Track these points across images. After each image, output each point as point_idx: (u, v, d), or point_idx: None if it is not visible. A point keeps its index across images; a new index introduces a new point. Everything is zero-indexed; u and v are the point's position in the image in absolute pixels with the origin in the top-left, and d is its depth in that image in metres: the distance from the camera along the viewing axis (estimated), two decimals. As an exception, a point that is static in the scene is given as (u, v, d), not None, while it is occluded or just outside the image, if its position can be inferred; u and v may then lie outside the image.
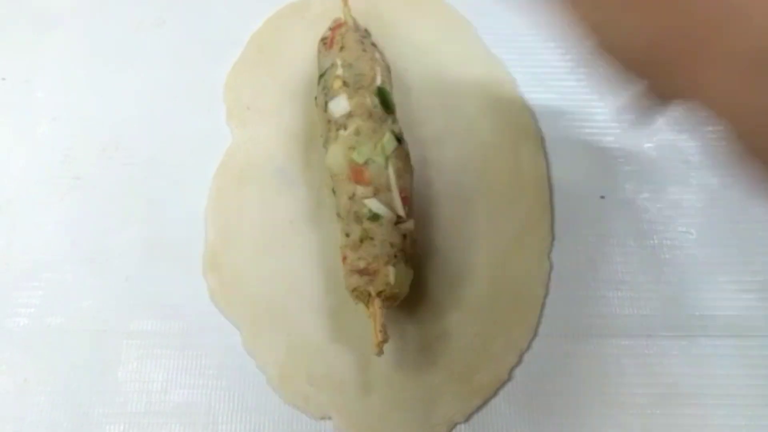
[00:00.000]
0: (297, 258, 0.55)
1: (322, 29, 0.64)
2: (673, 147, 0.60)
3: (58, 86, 0.63)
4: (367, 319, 0.49)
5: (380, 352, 0.47)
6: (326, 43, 0.58)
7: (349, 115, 0.53)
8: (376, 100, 0.53)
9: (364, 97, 0.53)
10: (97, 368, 0.52)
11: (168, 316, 0.54)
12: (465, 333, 0.53)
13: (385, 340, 0.47)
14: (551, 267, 0.56)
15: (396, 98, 0.55)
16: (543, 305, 0.54)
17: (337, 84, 0.54)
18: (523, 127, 0.61)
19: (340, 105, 0.53)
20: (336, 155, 0.52)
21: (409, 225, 0.50)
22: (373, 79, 0.54)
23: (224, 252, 0.56)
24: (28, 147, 0.61)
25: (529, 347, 0.53)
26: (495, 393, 0.52)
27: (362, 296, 0.49)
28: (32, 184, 0.59)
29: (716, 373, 0.52)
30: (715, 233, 0.57)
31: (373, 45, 0.58)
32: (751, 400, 0.52)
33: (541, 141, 0.60)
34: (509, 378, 0.52)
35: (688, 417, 0.51)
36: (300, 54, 0.64)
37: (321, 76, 0.56)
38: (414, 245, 0.51)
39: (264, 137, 0.60)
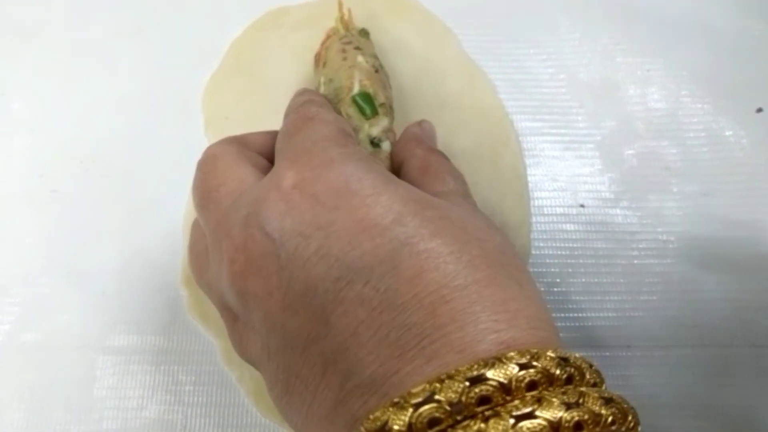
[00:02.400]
0: (274, 271, 0.55)
1: (301, 37, 0.64)
2: (654, 154, 0.60)
3: (35, 98, 0.63)
4: None
5: None
6: (316, 59, 0.58)
7: None
8: (352, 110, 0.53)
9: (340, 112, 0.53)
10: (74, 385, 0.52)
11: (145, 331, 0.54)
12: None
13: None
14: (530, 278, 0.55)
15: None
16: (522, 316, 0.54)
17: None
18: (503, 135, 0.60)
19: None
20: None
21: None
22: (350, 88, 0.54)
23: (201, 265, 0.55)
24: (3, 160, 0.60)
25: (508, 359, 0.53)
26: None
27: None
28: (8, 198, 0.59)
29: (697, 383, 0.52)
30: (697, 242, 0.57)
31: (358, 49, 0.57)
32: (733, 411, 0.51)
33: (520, 150, 0.60)
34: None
35: (670, 428, 0.51)
36: (279, 62, 0.63)
37: None
38: None
39: (242, 148, 0.60)
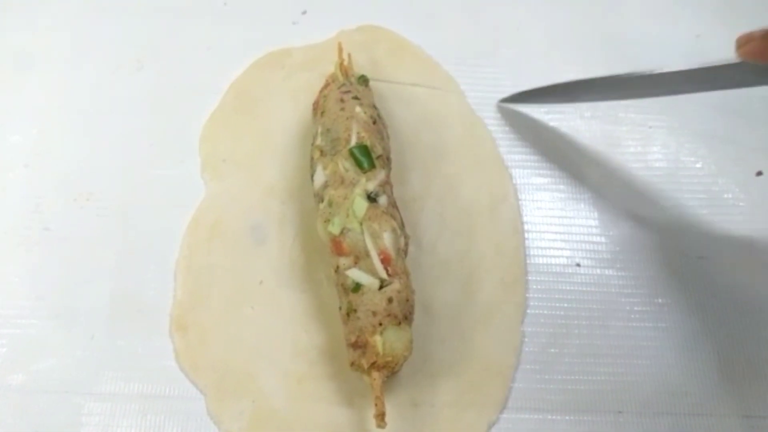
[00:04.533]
0: (265, 321, 0.55)
1: (302, 79, 0.64)
2: (652, 215, 0.60)
3: (32, 131, 0.62)
4: (339, 387, 0.50)
5: (380, 425, 0.46)
6: (314, 107, 0.58)
7: (325, 186, 0.52)
8: (349, 163, 0.53)
9: (337, 164, 0.52)
10: (58, 431, 0.51)
11: (132, 378, 0.53)
12: (436, 402, 0.52)
13: (380, 413, 0.46)
14: (523, 337, 0.55)
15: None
16: (513, 377, 0.53)
17: (316, 154, 0.54)
18: (501, 189, 0.60)
19: (318, 177, 0.53)
20: (319, 229, 0.52)
21: (395, 286, 0.49)
22: (348, 140, 0.54)
23: (191, 312, 0.55)
24: (-2, 195, 0.60)
25: (497, 420, 0.52)
26: (462, 468, 0.51)
27: (360, 369, 0.48)
28: (0, 234, 0.58)
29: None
30: (693, 307, 0.56)
31: (357, 99, 0.56)
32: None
33: (518, 205, 0.59)
34: (478, 452, 0.51)
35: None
36: (278, 105, 0.63)
37: (311, 144, 0.56)
38: (406, 304, 0.49)
39: (238, 191, 0.59)
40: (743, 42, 0.46)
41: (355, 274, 0.49)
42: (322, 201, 0.52)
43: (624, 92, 0.58)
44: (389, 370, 0.48)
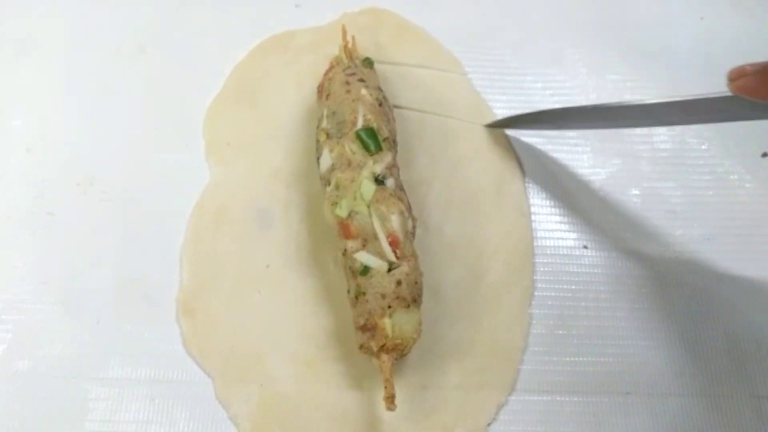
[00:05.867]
0: (272, 305, 0.54)
1: (305, 62, 0.64)
2: (659, 195, 0.59)
3: (33, 115, 0.62)
4: (347, 370, 0.51)
5: (389, 407, 0.46)
6: (319, 90, 0.58)
7: (332, 169, 0.52)
8: (356, 146, 0.52)
9: (344, 147, 0.52)
10: (65, 416, 0.51)
11: (139, 363, 0.53)
12: (445, 385, 0.52)
13: (390, 395, 0.46)
14: (531, 319, 0.55)
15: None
16: (521, 359, 0.53)
17: (322, 137, 0.54)
18: (508, 172, 0.60)
19: (325, 160, 0.53)
20: (326, 213, 0.51)
21: (403, 268, 0.49)
22: (354, 122, 0.53)
23: (198, 296, 0.55)
24: (0, 179, 0.59)
25: (506, 402, 0.52)
26: (472, 449, 0.51)
27: (369, 352, 0.48)
28: (3, 220, 0.58)
29: None
30: (699, 287, 0.56)
31: (362, 81, 0.56)
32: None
33: (525, 188, 0.59)
34: (486, 434, 0.51)
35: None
36: (282, 88, 0.63)
37: (316, 127, 0.56)
38: (415, 286, 0.49)
39: (243, 175, 0.59)
40: (735, 76, 0.44)
41: (364, 257, 0.49)
42: (329, 184, 0.52)
43: (614, 122, 0.57)
44: (398, 353, 0.48)
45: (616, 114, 0.54)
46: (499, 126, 0.61)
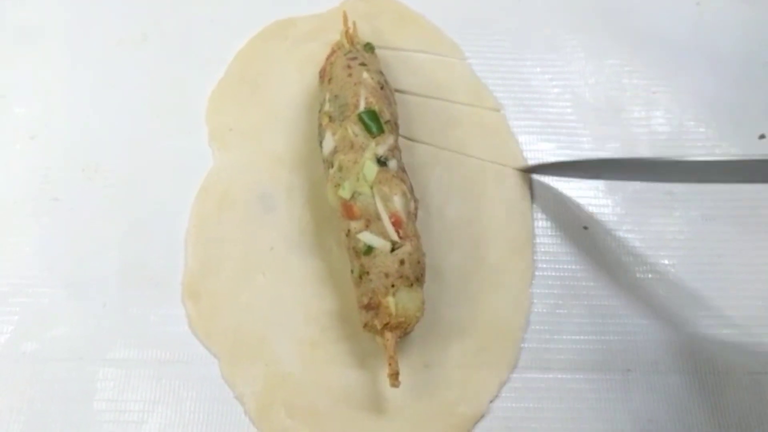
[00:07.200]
0: (277, 287, 0.55)
1: (306, 49, 0.64)
2: (657, 177, 0.60)
3: (37, 103, 0.62)
4: (351, 349, 0.51)
5: (393, 384, 0.47)
6: (321, 75, 0.58)
7: (335, 151, 0.53)
8: (358, 128, 0.53)
9: (346, 129, 0.53)
10: (72, 398, 0.52)
11: (145, 345, 0.53)
12: (447, 363, 0.53)
13: (394, 372, 0.47)
14: (532, 299, 0.55)
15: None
16: (522, 338, 0.54)
17: (324, 120, 0.54)
18: (509, 155, 0.60)
19: (328, 143, 0.54)
20: (329, 195, 0.52)
21: (406, 248, 0.49)
22: (356, 105, 0.54)
23: (203, 279, 0.55)
24: (4, 166, 0.60)
25: (508, 380, 0.53)
26: (473, 426, 0.51)
27: (373, 330, 0.49)
28: (9, 205, 0.58)
29: (693, 408, 0.52)
30: (698, 267, 0.57)
31: (363, 65, 0.57)
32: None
33: (526, 169, 0.60)
34: (488, 411, 0.52)
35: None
36: (284, 74, 0.63)
37: (319, 111, 0.56)
38: (418, 266, 0.50)
39: (246, 160, 0.60)
40: None
41: (367, 237, 0.50)
42: (332, 166, 0.53)
43: (651, 176, 0.57)
44: (402, 331, 0.49)
45: (656, 168, 0.53)
46: (533, 171, 0.60)
